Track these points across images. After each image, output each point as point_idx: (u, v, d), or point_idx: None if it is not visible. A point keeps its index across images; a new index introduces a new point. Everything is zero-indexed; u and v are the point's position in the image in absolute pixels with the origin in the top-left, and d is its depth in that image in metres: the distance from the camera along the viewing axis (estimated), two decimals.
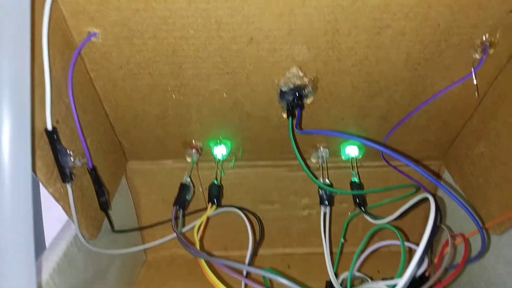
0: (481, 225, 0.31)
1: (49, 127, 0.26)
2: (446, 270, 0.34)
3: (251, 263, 0.37)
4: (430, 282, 0.32)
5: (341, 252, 0.42)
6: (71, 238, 0.31)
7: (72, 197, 0.29)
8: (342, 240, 0.41)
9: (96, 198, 0.34)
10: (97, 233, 0.35)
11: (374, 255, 0.46)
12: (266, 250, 0.48)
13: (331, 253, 0.45)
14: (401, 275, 0.28)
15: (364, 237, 0.37)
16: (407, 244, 0.34)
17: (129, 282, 0.43)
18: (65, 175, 0.28)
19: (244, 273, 0.35)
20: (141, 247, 0.42)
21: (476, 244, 0.37)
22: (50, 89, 0.25)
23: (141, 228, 0.45)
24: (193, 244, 0.34)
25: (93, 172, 0.32)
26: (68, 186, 0.28)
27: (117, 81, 0.33)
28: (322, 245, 0.36)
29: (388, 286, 0.29)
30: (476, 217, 0.30)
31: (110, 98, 0.34)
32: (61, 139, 0.27)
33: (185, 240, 0.33)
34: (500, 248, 0.35)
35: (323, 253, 0.36)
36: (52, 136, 0.26)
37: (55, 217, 0.33)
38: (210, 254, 0.47)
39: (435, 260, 0.35)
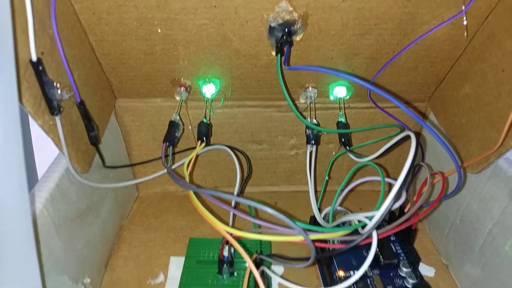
0: (459, 163, 0.32)
1: (34, 58, 0.26)
2: (422, 207, 0.36)
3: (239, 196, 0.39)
4: (407, 215, 0.34)
5: (325, 190, 0.43)
6: (62, 171, 0.32)
7: (61, 130, 0.29)
8: (327, 177, 0.42)
9: (86, 133, 0.34)
10: (89, 167, 0.36)
11: (357, 193, 0.48)
12: (254, 188, 0.50)
13: (316, 191, 0.47)
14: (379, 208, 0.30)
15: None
16: (387, 180, 0.36)
17: (122, 216, 0.45)
18: (53, 108, 0.28)
19: (233, 204, 0.36)
20: (133, 181, 0.43)
21: (454, 183, 0.38)
22: (32, 19, 0.25)
23: (132, 165, 0.46)
24: (183, 178, 0.35)
25: (82, 107, 0.32)
26: (57, 119, 0.29)
27: (102, 14, 0.32)
28: (307, 183, 0.38)
29: (366, 217, 0.31)
30: (456, 156, 0.31)
31: (95, 32, 0.34)
32: (47, 71, 0.27)
33: (175, 174, 0.34)
34: (476, 186, 0.36)
35: (308, 191, 0.38)
36: (37, 67, 0.26)
37: (46, 158, 0.33)
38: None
39: (414, 198, 0.37)
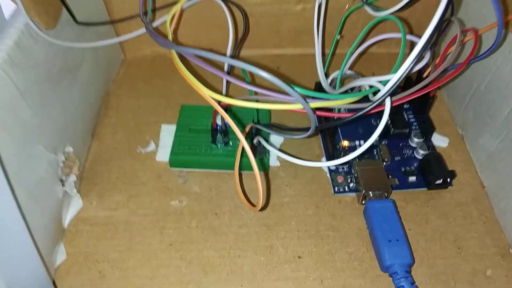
0: (502, 15, 0.26)
1: None
2: (445, 71, 0.30)
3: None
4: (427, 80, 0.29)
5: (334, 52, 0.38)
6: (21, 26, 0.27)
7: None
8: (338, 36, 0.36)
9: None
10: (55, 22, 0.30)
11: (371, 56, 0.42)
12: (255, 51, 0.44)
13: (323, 54, 0.42)
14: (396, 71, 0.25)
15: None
16: (409, 37, 0.30)
17: (107, 80, 0.41)
18: None
19: (225, 68, 0.32)
20: (113, 40, 0.38)
21: (486, 44, 0.32)
22: None
23: (111, 22, 0.40)
24: (166, 37, 0.30)
25: None
26: None
27: None
28: (314, 45, 0.32)
29: (380, 82, 0.26)
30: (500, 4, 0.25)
31: None
32: None
33: (154, 31, 0.28)
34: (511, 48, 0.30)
35: (315, 54, 0.32)
36: None
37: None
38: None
39: (437, 60, 0.32)
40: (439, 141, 0.37)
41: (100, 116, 0.38)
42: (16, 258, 0.24)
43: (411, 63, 0.23)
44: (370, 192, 0.31)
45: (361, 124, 0.37)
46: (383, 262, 0.28)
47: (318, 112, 0.26)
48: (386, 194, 0.31)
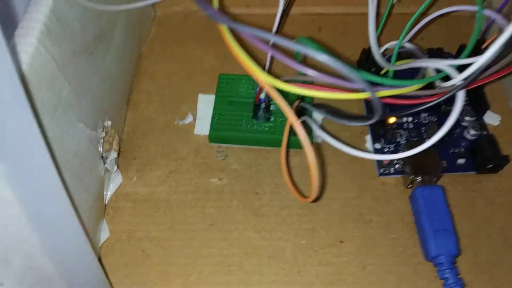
0: None
1: None
2: None
3: (279, 30, 0.31)
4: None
5: (390, 12, 0.33)
6: None
7: None
8: None
9: None
10: None
11: (439, 23, 0.37)
12: (294, 9, 0.41)
13: (378, 14, 0.38)
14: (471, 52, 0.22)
15: None
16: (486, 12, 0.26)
17: (140, 41, 0.39)
18: None
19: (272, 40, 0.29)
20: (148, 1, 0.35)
21: None
22: None
23: None
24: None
25: None
26: None
27: None
28: (361, 3, 0.28)
29: (451, 66, 0.24)
30: None
31: None
32: None
33: None
34: None
35: (363, 14, 0.28)
36: None
37: None
38: (230, 15, 0.41)
39: None
40: (490, 118, 0.35)
41: (134, 82, 0.37)
42: (65, 242, 0.24)
43: (500, 46, 0.20)
44: (420, 177, 0.30)
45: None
46: (428, 252, 0.27)
47: (386, 100, 0.23)
48: (435, 179, 0.30)
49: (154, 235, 0.29)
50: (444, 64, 0.24)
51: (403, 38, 0.29)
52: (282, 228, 0.30)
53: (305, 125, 0.30)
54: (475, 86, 0.23)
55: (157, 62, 0.38)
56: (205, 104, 0.34)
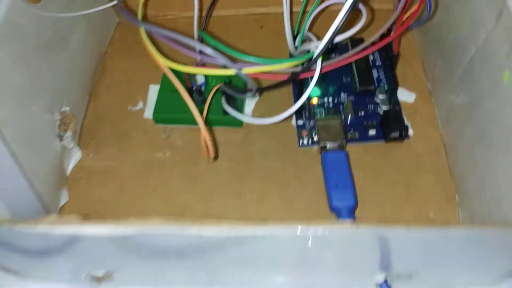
0: None
1: None
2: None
3: (205, 27, 0.37)
4: (367, 43, 0.31)
5: (305, 11, 0.39)
6: (8, 3, 0.30)
7: None
8: None
9: None
10: None
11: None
12: (239, 10, 0.47)
13: (291, 12, 0.43)
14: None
15: None
16: None
17: (102, 43, 0.45)
18: None
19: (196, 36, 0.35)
20: (105, 6, 0.40)
21: None
22: None
23: None
24: None
25: None
26: None
27: None
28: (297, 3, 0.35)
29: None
30: None
31: None
32: None
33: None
34: (470, 5, 0.32)
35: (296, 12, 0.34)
36: None
37: None
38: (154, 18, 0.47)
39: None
40: (406, 96, 0.40)
41: (97, 77, 0.43)
42: (14, 192, 0.29)
43: (337, 27, 0.26)
44: (327, 144, 0.35)
45: (332, 82, 0.40)
46: (331, 204, 0.32)
47: (257, 75, 0.29)
48: (342, 146, 0.35)
49: (105, 199, 0.35)
50: (314, 45, 0.29)
51: (303, 31, 0.35)
52: (214, 193, 0.35)
53: (226, 104, 0.36)
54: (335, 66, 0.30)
55: (118, 59, 0.44)
56: (155, 93, 0.40)
